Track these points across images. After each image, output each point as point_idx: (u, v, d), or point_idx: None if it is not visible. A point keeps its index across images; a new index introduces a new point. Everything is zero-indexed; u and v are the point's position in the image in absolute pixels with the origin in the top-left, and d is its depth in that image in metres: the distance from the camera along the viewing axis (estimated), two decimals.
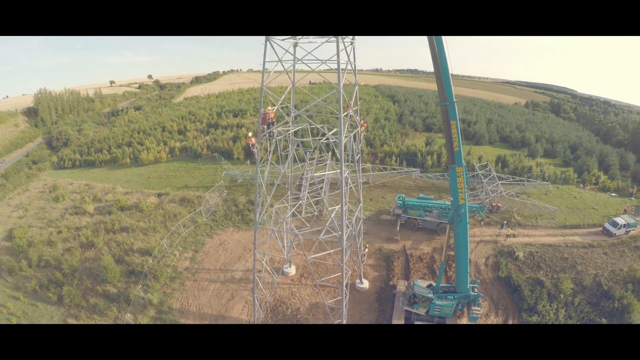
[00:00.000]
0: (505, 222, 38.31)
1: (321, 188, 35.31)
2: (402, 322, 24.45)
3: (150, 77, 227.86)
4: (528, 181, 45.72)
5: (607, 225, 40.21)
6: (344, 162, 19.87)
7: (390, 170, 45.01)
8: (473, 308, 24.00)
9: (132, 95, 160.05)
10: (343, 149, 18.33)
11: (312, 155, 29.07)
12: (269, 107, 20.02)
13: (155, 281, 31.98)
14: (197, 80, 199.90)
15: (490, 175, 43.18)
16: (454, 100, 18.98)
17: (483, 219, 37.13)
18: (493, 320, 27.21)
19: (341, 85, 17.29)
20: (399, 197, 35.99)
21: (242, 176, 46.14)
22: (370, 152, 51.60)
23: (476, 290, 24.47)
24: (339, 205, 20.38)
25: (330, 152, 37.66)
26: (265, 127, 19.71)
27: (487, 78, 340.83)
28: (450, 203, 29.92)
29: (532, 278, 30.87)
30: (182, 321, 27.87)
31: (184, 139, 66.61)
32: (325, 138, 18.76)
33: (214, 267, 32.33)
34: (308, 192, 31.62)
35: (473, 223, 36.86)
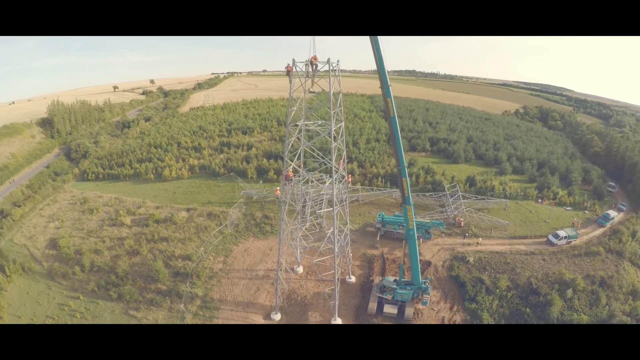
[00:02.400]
0: (467, 233, 50.78)
1: (320, 207, 47.60)
2: (375, 304, 37.06)
3: (152, 82, 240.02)
4: (489, 199, 58.16)
5: (550, 236, 52.06)
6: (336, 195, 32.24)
7: (376, 190, 57.78)
8: (424, 295, 36.59)
9: (138, 103, 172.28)
10: (335, 200, 30.82)
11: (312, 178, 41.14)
12: (289, 169, 32.27)
13: (198, 279, 44.22)
14: (199, 86, 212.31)
15: (456, 194, 55.69)
16: (405, 165, 31.04)
17: (444, 231, 49.76)
18: (442, 305, 39.73)
19: (334, 160, 29.54)
20: (379, 215, 48.91)
21: (257, 194, 58.67)
22: (361, 173, 64.32)
23: (427, 283, 37.02)
24: (331, 229, 32.96)
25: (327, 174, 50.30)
26: (287, 182, 32.03)
27: (484, 79, 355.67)
28: (417, 219, 43.30)
29: (476, 277, 43.28)
30: (222, 307, 40.17)
31: (200, 157, 78.82)
32: (322, 191, 31.24)
33: (242, 267, 44.78)
34: (309, 211, 43.97)
35: (437, 234, 49.44)
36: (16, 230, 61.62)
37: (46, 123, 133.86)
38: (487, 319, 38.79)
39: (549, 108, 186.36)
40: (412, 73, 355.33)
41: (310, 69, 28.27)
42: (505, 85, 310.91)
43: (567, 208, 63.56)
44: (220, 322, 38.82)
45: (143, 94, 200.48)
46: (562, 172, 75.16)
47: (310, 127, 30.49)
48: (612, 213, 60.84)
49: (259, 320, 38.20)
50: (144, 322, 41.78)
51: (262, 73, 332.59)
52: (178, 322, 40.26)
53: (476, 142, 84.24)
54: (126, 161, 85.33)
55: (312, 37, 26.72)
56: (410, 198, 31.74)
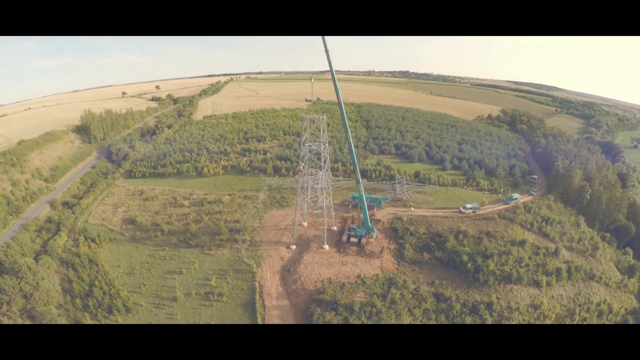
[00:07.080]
0: (411, 205, 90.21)
1: (316, 188, 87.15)
2: (345, 237, 76.42)
3: (158, 87, 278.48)
4: (425, 185, 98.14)
5: (460, 208, 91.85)
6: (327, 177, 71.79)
7: (351, 179, 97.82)
8: (372, 232, 76.32)
9: (154, 110, 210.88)
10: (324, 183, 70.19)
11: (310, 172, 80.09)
12: (301, 167, 71.12)
13: (245, 231, 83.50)
14: (204, 92, 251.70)
15: (402, 182, 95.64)
16: (357, 165, 70.14)
17: (389, 203, 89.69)
18: (384, 240, 79.27)
19: (322, 162, 68.38)
20: (351, 194, 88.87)
21: (275, 184, 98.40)
22: (344, 170, 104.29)
23: (374, 227, 76.72)
24: (321, 198, 72.78)
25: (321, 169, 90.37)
26: (299, 174, 71.33)
27: (477, 79, 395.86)
28: (373, 196, 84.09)
29: (406, 227, 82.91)
30: (262, 244, 79.34)
31: (229, 159, 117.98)
32: (317, 179, 70.90)
33: (271, 224, 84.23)
34: (310, 190, 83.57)
35: (386, 205, 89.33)
36: (87, 215, 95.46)
37: (81, 130, 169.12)
38: (407, 247, 78.11)
39: (523, 112, 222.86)
40: (405, 74, 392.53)
41: (312, 116, 67.86)
42: (494, 87, 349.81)
43: (485, 192, 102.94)
44: (262, 251, 77.90)
45: (152, 100, 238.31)
46: (490, 168, 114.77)
47: (312, 146, 70.06)
48: (516, 195, 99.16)
49: (283, 249, 77.40)
50: (216, 256, 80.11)
51: (260, 76, 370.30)
52: (237, 254, 79.03)
53: (432, 146, 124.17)
54: (167, 162, 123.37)
55: (308, 115, 66.10)
56: (360, 180, 71.29)
